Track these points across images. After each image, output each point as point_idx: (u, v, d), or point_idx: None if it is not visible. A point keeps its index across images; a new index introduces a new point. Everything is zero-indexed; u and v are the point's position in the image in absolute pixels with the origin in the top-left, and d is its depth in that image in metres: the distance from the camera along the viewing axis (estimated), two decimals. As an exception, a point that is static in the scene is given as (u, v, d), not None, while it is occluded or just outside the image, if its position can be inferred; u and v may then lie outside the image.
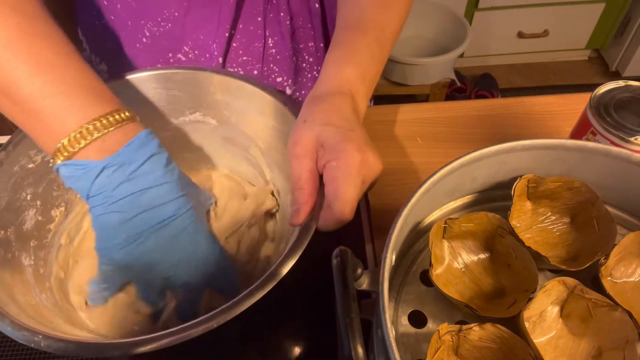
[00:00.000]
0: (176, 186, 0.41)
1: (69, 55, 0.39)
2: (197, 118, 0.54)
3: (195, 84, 0.51)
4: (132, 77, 0.50)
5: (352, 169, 0.37)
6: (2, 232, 0.43)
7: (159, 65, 0.61)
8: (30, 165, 0.47)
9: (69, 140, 0.36)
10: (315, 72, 0.66)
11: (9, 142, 0.46)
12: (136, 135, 0.39)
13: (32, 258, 0.45)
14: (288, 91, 0.65)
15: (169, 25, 0.58)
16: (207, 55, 0.59)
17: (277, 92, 0.48)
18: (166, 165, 0.40)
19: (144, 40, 0.59)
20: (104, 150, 0.37)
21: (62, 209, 0.50)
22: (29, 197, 0.47)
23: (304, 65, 0.64)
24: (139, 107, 0.50)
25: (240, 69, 0.61)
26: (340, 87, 0.43)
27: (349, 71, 0.44)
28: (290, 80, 0.64)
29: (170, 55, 0.60)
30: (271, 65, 0.62)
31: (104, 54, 0.64)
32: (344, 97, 0.42)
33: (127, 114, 0.39)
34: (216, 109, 0.53)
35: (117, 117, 0.38)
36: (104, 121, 0.37)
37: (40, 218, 0.48)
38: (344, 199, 0.37)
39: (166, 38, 0.59)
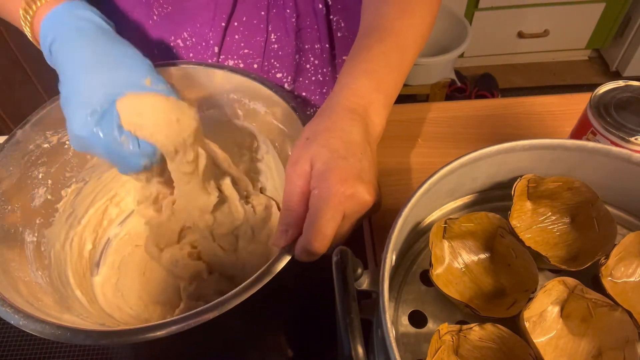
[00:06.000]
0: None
1: None
2: (211, 114, 0.54)
3: (210, 81, 0.52)
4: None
5: (331, 202, 0.36)
6: (9, 207, 0.44)
7: (176, 60, 0.62)
8: (46, 145, 0.48)
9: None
10: (319, 76, 0.65)
11: (26, 121, 0.47)
12: None
13: (36, 235, 0.46)
14: (286, 87, 0.65)
15: (170, 7, 0.58)
16: (203, 44, 0.59)
17: (289, 97, 0.48)
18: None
19: (155, 18, 0.60)
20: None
21: (73, 189, 0.51)
22: (40, 176, 0.48)
23: (308, 66, 0.64)
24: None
25: (240, 61, 0.62)
26: (353, 100, 0.41)
27: (363, 81, 0.43)
28: (290, 78, 0.64)
29: (172, 38, 0.60)
30: (272, 60, 0.62)
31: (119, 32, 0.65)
32: (354, 116, 0.40)
33: None
34: (230, 107, 0.53)
35: None
36: None
37: (49, 197, 0.49)
38: (316, 231, 0.35)
39: (170, 20, 0.59)
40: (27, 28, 0.44)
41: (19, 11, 0.44)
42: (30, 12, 0.43)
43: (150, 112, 0.42)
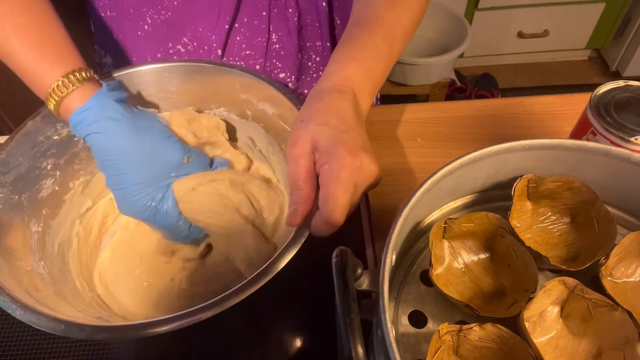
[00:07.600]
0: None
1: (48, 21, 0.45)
2: (221, 113, 0.55)
3: (220, 80, 0.52)
4: (158, 66, 0.52)
5: (342, 173, 0.37)
6: (17, 196, 0.45)
7: (171, 57, 0.62)
8: (56, 137, 0.49)
9: (54, 89, 0.43)
10: (321, 72, 0.65)
11: (37, 112, 0.47)
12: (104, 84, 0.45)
13: (41, 225, 0.47)
14: (290, 87, 0.65)
15: (169, 13, 0.58)
16: (206, 48, 0.59)
17: (296, 99, 0.48)
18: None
19: (146, 27, 0.60)
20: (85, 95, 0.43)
21: (81, 181, 0.52)
22: (49, 167, 0.48)
23: (310, 64, 0.64)
24: (169, 95, 0.54)
25: (242, 63, 0.62)
26: (343, 84, 0.43)
27: (353, 68, 0.44)
28: (293, 77, 0.64)
29: (170, 45, 0.60)
30: (274, 60, 0.62)
31: (109, 46, 0.65)
32: (345, 96, 0.42)
33: (89, 73, 0.44)
34: (240, 107, 0.54)
35: (83, 74, 0.44)
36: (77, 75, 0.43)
37: (57, 188, 0.49)
38: (334, 203, 0.37)
39: (166, 27, 0.59)
40: (52, 105, 0.44)
41: (49, 88, 0.43)
42: (56, 98, 0.43)
43: (205, 200, 0.48)
